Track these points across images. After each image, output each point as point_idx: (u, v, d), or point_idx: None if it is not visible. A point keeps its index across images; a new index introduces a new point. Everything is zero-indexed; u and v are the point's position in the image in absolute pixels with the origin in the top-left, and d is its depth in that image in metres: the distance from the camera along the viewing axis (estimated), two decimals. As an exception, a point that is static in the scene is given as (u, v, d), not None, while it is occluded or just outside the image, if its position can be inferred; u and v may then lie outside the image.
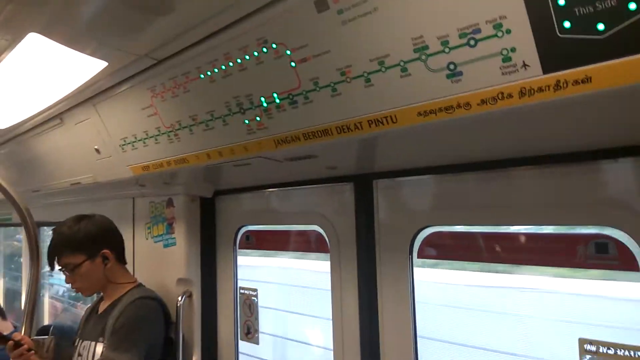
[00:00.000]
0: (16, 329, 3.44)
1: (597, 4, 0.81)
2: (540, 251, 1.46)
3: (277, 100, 1.41)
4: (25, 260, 4.46)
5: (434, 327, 1.92)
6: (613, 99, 0.93)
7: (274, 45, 1.31)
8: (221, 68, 1.48)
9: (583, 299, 1.70)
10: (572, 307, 1.69)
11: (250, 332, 2.46)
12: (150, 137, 1.95)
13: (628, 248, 1.29)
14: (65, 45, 1.52)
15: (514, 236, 1.55)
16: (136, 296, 2.14)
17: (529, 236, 1.51)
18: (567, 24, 0.85)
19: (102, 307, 2.23)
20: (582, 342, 1.34)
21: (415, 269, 1.78)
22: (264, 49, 1.33)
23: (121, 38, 1.50)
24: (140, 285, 2.30)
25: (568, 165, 1.43)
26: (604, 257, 1.33)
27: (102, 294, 2.30)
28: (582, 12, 0.83)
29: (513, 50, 0.94)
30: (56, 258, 2.14)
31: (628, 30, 0.79)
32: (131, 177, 2.24)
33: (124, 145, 2.13)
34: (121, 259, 2.30)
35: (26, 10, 1.38)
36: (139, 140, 2.02)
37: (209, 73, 1.52)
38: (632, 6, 0.78)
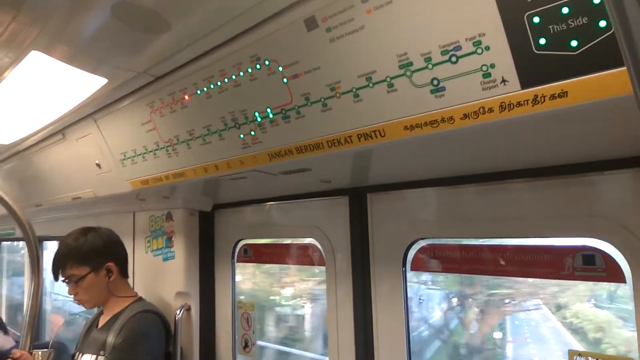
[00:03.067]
0: (18, 343, 3.45)
1: (569, 22, 0.84)
2: (529, 263, 1.47)
3: (271, 115, 1.45)
4: (27, 274, 4.49)
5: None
6: (592, 112, 0.96)
7: (267, 62, 1.35)
8: (217, 84, 1.52)
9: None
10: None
11: (248, 346, 2.47)
12: (149, 151, 1.99)
13: (614, 260, 1.30)
14: (66, 62, 1.57)
15: (504, 248, 1.56)
16: (137, 310, 2.16)
17: (518, 248, 1.52)
18: (542, 41, 0.89)
19: (102, 320, 2.25)
20: (571, 353, 1.35)
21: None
22: (257, 66, 1.38)
23: (120, 56, 1.55)
24: (140, 299, 2.32)
25: (556, 178, 1.46)
26: (591, 269, 1.34)
27: (102, 307, 2.32)
28: (556, 30, 0.86)
29: (492, 66, 0.98)
30: (61, 269, 2.17)
31: (599, 47, 0.83)
32: (131, 192, 2.28)
33: (124, 159, 2.17)
34: (124, 272, 2.32)
35: (28, 29, 1.43)
36: (139, 155, 2.06)
37: (205, 89, 1.57)
38: (602, 24, 0.81)
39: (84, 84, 1.75)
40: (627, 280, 1.29)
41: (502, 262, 1.54)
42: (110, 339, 2.06)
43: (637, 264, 1.27)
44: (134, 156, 2.10)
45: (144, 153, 2.03)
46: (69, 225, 2.91)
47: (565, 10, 0.83)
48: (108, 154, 2.22)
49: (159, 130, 1.88)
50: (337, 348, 2.00)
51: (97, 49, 1.51)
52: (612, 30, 0.80)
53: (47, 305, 4.70)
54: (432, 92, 1.09)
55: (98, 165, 2.34)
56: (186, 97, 1.66)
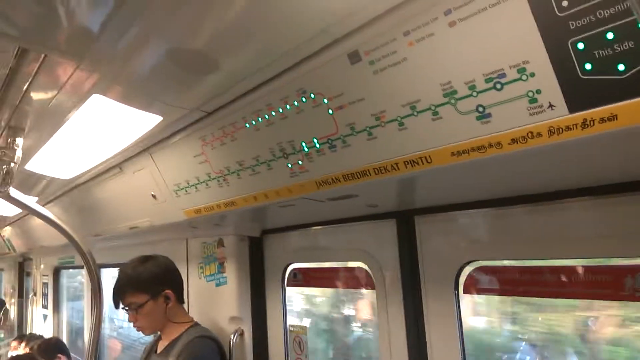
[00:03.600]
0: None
1: (615, 47, 0.85)
2: (589, 284, 1.43)
3: (317, 145, 1.49)
4: (86, 301, 4.70)
5: None
6: None
7: (312, 95, 1.40)
8: (265, 117, 1.59)
9: None
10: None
11: (301, 370, 2.49)
12: (202, 182, 2.08)
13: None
14: (123, 102, 1.68)
15: (560, 269, 1.53)
16: (194, 335, 2.23)
17: (574, 269, 1.48)
18: (588, 66, 0.89)
19: (161, 345, 2.33)
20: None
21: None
22: (303, 99, 1.43)
23: (173, 94, 1.64)
24: (197, 324, 2.40)
25: (614, 196, 1.42)
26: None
27: (159, 332, 2.41)
28: (601, 55, 0.87)
29: (538, 92, 0.98)
30: (121, 297, 2.27)
31: (648, 69, 0.82)
32: (185, 220, 2.38)
33: (177, 190, 2.27)
34: (180, 298, 2.41)
35: (90, 76, 1.54)
36: (191, 186, 2.16)
37: (253, 122, 1.64)
38: (650, 47, 0.81)
39: (140, 122, 1.86)
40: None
41: (558, 284, 1.50)
42: None
43: None
44: (187, 187, 2.20)
45: (197, 184, 2.12)
46: (125, 252, 3.06)
47: (610, 35, 0.84)
48: (163, 185, 2.33)
49: (210, 162, 1.96)
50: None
51: (151, 88, 1.61)
52: (661, 54, 0.80)
53: (106, 330, 4.89)
54: (477, 118, 1.10)
55: (154, 196, 2.45)
56: (236, 130, 1.74)
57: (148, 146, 2.20)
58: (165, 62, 1.41)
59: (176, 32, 1.25)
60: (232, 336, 2.49)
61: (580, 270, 1.47)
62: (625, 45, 0.83)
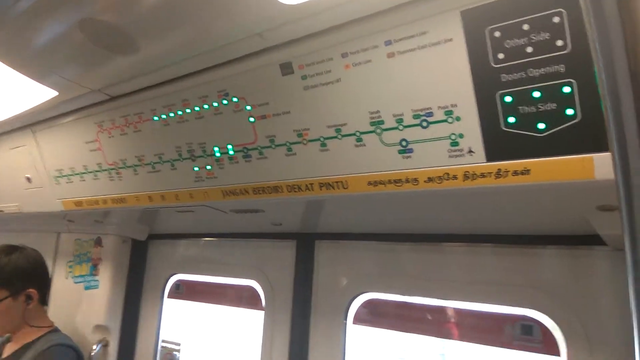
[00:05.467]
0: None
1: (539, 106, 0.90)
2: (471, 328, 1.50)
3: (231, 152, 1.41)
4: None
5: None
6: (549, 192, 1.01)
7: (235, 99, 1.32)
8: (177, 113, 1.47)
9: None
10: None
11: (167, 390, 2.30)
12: (90, 172, 1.87)
13: (551, 333, 1.35)
14: (16, 69, 1.46)
15: (446, 310, 1.59)
16: (52, 343, 1.96)
17: (460, 312, 1.55)
18: (511, 120, 0.94)
19: (9, 349, 2.00)
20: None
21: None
22: (224, 101, 1.35)
23: (76, 70, 1.46)
24: (56, 330, 2.11)
25: (502, 247, 1.52)
26: (529, 339, 1.39)
27: (9, 334, 2.08)
28: (525, 111, 0.92)
29: (461, 136, 1.01)
30: None
31: (565, 132, 0.88)
32: (61, 211, 2.11)
33: (58, 177, 2.02)
34: (44, 300, 2.12)
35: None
36: (76, 174, 1.93)
37: (163, 116, 1.51)
38: (570, 112, 0.87)
39: (29, 93, 1.63)
40: (561, 354, 1.34)
41: (443, 325, 1.55)
42: None
43: (572, 338, 1.32)
44: (71, 175, 1.96)
45: (83, 173, 1.90)
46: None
47: (536, 94, 0.89)
48: (42, 168, 2.06)
49: (104, 151, 1.77)
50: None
51: (51, 59, 1.42)
52: (579, 119, 0.86)
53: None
54: (400, 152, 1.11)
55: (28, 179, 2.16)
56: (141, 121, 1.59)
57: (33, 122, 1.94)
58: (73, 31, 1.24)
59: (94, 0, 1.11)
60: (94, 346, 2.24)
61: (467, 314, 1.54)
62: (549, 106, 0.88)
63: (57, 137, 1.93)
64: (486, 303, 1.54)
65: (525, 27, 0.87)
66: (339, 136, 1.19)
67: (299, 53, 1.16)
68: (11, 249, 2.03)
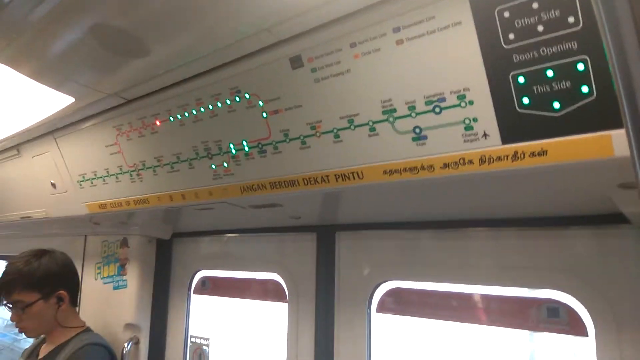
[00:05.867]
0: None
1: (553, 85, 0.88)
2: (495, 312, 1.49)
3: (246, 148, 1.42)
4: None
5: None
6: (568, 172, 0.99)
7: (247, 96, 1.33)
8: (192, 113, 1.49)
9: None
10: None
11: (199, 384, 2.35)
12: (111, 175, 1.91)
13: (578, 314, 1.33)
14: (32, 78, 1.49)
15: (471, 296, 1.57)
16: (85, 342, 2.01)
17: (485, 297, 1.54)
18: (526, 100, 0.92)
19: (45, 350, 2.08)
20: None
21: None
22: (237, 98, 1.36)
23: (91, 75, 1.49)
24: (88, 329, 2.17)
25: (525, 230, 1.50)
26: (555, 321, 1.37)
27: (43, 335, 2.15)
28: (539, 91, 0.90)
29: (475, 120, 1.00)
30: (7, 293, 1.99)
31: (581, 111, 0.86)
32: (86, 215, 2.16)
33: (82, 181, 2.06)
34: (74, 301, 2.18)
35: (-3, 41, 1.35)
36: (99, 178, 1.97)
37: (179, 116, 1.53)
38: (585, 89, 0.85)
39: (48, 101, 1.67)
40: (589, 334, 1.32)
41: (468, 310, 1.54)
42: None
43: (599, 318, 1.30)
44: (94, 178, 2.00)
45: (105, 176, 1.94)
46: (12, 245, 2.73)
47: (550, 73, 0.87)
48: (66, 174, 2.11)
49: (124, 153, 1.81)
50: (294, 389, 1.93)
51: (66, 66, 1.45)
52: (594, 96, 0.84)
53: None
54: (413, 139, 1.10)
55: (53, 184, 2.21)
56: (157, 122, 1.61)
57: (53, 129, 1.98)
58: (86, 38, 1.26)
59: (103, 7, 1.12)
60: (125, 344, 2.29)
61: (491, 299, 1.52)
62: (563, 85, 0.86)
63: (78, 142, 1.97)
64: (511, 286, 1.52)
65: (535, 5, 0.85)
66: (352, 127, 1.18)
67: (308, 46, 1.16)
68: (41, 253, 2.08)
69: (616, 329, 1.28)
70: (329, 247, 1.91)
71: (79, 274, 2.57)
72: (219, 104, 1.40)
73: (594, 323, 1.31)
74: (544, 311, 1.39)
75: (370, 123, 1.15)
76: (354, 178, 1.24)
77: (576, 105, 0.86)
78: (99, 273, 2.59)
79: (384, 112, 1.12)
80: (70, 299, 2.11)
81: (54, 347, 2.04)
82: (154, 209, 1.84)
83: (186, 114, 1.50)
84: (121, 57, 1.34)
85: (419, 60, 1.03)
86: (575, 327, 1.34)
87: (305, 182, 1.34)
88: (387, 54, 1.06)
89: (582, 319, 1.32)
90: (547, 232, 1.44)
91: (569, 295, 1.36)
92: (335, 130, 1.22)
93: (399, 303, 1.76)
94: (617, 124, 0.82)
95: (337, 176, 1.27)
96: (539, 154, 0.93)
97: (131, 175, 1.83)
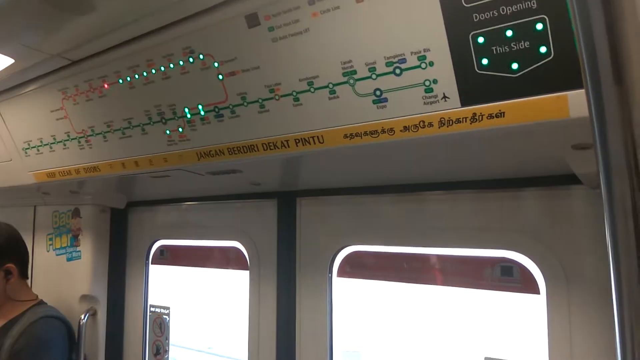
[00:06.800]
0: None
1: (512, 45, 0.87)
2: (451, 273, 1.53)
3: (202, 112, 1.37)
4: None
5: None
6: (524, 133, 1.00)
7: (201, 56, 1.27)
8: (142, 75, 1.41)
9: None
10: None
11: (160, 353, 2.33)
12: (58, 142, 1.81)
13: (531, 273, 1.38)
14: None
15: (428, 257, 1.61)
16: (39, 315, 1.95)
17: (442, 258, 1.58)
18: (485, 61, 0.91)
19: None
20: (487, 360, 1.42)
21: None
22: (190, 59, 1.29)
23: (31, 35, 1.38)
24: (42, 302, 2.10)
25: (481, 192, 1.53)
26: (509, 279, 1.42)
27: None
28: (499, 51, 0.89)
29: (435, 81, 0.99)
30: None
31: (539, 71, 0.86)
32: (34, 184, 2.06)
33: (27, 149, 1.95)
34: (24, 273, 2.09)
35: None
36: (45, 145, 1.87)
37: (128, 79, 1.45)
38: (543, 49, 0.85)
39: (-17, 62, 1.54)
40: (540, 292, 1.38)
41: (426, 272, 1.58)
42: (7, 346, 1.84)
43: (550, 276, 1.36)
44: (40, 145, 1.89)
45: (52, 143, 1.84)
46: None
47: (509, 33, 0.86)
48: (9, 141, 1.99)
49: (71, 119, 1.71)
50: (257, 352, 1.94)
51: (4, 24, 1.33)
52: (552, 56, 0.84)
53: None
54: (374, 102, 1.08)
55: (-5, 153, 2.08)
56: (106, 85, 1.52)
57: (-8, 94, 1.85)
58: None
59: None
60: (82, 316, 2.24)
61: (445, 259, 1.56)
62: (522, 45, 0.86)
63: (21, 107, 1.85)
64: (467, 248, 1.56)
65: (496, -38, 0.83)
66: (312, 89, 1.15)
67: (264, 3, 1.10)
68: None
69: (566, 286, 1.34)
70: (290, 213, 1.90)
71: (29, 246, 2.47)
72: (172, 65, 1.33)
73: (545, 281, 1.36)
74: (498, 270, 1.44)
75: (331, 85, 1.12)
76: (314, 142, 1.21)
77: (534, 66, 0.86)
78: (51, 244, 2.50)
79: (344, 74, 1.09)
80: (19, 271, 2.02)
81: (6, 322, 1.97)
82: (105, 177, 1.77)
83: (136, 76, 1.42)
84: (64, 13, 1.24)
85: (379, 19, 1.00)
86: (527, 285, 1.39)
87: (265, 147, 1.31)
88: (347, 12, 1.02)
89: (534, 278, 1.38)
90: (502, 194, 1.48)
91: (523, 255, 1.41)
92: (294, 93, 1.18)
93: (358, 267, 1.79)
94: (573, 84, 0.83)
95: (298, 140, 1.24)
96: (496, 116, 0.94)
97: (79, 141, 1.74)
